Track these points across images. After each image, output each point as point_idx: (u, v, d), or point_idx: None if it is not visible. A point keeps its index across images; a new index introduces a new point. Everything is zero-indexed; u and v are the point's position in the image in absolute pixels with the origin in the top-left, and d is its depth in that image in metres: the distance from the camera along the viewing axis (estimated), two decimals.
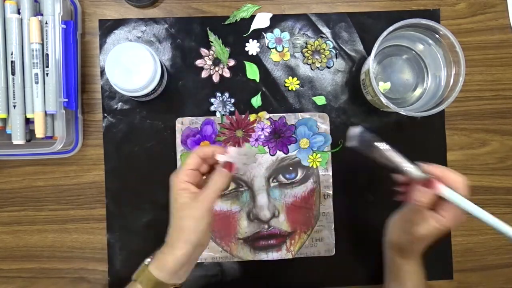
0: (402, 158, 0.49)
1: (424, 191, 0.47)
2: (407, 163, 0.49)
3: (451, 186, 0.47)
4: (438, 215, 0.48)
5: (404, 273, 0.54)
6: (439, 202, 0.48)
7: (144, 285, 0.48)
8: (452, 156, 0.64)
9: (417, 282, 0.55)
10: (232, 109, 0.63)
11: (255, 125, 0.63)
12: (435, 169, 0.48)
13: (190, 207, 0.47)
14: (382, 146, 0.50)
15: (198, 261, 0.62)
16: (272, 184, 0.63)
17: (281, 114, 0.63)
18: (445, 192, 0.47)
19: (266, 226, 0.62)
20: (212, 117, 0.63)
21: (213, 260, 0.63)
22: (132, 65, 0.54)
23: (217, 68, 0.63)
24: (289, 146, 0.63)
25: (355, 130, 0.50)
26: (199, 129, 0.63)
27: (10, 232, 0.63)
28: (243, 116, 0.63)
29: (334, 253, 0.63)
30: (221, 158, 0.49)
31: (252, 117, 0.63)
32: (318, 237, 0.63)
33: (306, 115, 0.63)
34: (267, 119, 0.63)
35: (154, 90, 0.58)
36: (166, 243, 0.49)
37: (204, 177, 0.52)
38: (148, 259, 0.50)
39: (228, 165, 0.49)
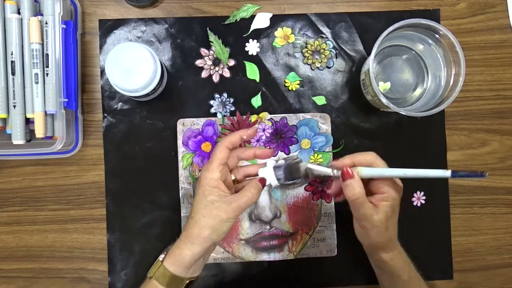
0: (316, 166, 0.51)
1: (348, 184, 0.48)
2: (321, 168, 0.50)
3: (367, 165, 0.49)
4: (379, 195, 0.49)
5: (393, 266, 0.53)
6: (371, 187, 0.50)
7: (160, 281, 0.48)
8: (452, 156, 0.64)
9: (408, 268, 0.54)
10: (232, 108, 0.63)
11: (256, 126, 0.63)
12: (344, 160, 0.50)
13: (219, 208, 0.48)
14: (295, 160, 0.52)
15: None
16: (273, 185, 0.62)
17: (282, 115, 0.63)
18: (363, 173, 0.49)
19: (268, 227, 0.62)
20: (213, 118, 0.63)
21: (215, 261, 0.62)
22: (132, 65, 0.54)
23: (217, 68, 0.63)
24: (290, 147, 0.63)
25: (266, 170, 0.52)
26: (200, 130, 0.63)
27: (10, 232, 0.63)
28: (244, 117, 0.63)
29: (336, 254, 0.63)
30: (261, 173, 0.51)
31: (253, 118, 0.63)
32: (320, 237, 0.63)
33: (307, 115, 0.63)
34: (268, 119, 0.63)
35: (154, 90, 0.58)
36: (184, 237, 0.49)
37: (233, 176, 0.53)
38: (162, 255, 0.50)
39: (263, 180, 0.51)
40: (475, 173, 0.46)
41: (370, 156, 0.50)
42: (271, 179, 0.52)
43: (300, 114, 0.63)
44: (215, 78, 0.63)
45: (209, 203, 0.48)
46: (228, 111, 0.63)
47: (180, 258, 0.48)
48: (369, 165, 0.49)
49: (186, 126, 0.63)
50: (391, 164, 0.63)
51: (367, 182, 0.50)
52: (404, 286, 0.54)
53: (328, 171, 0.50)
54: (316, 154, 0.63)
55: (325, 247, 0.63)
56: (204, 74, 0.63)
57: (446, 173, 0.46)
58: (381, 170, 0.49)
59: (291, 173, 0.51)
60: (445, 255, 0.64)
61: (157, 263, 0.50)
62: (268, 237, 0.62)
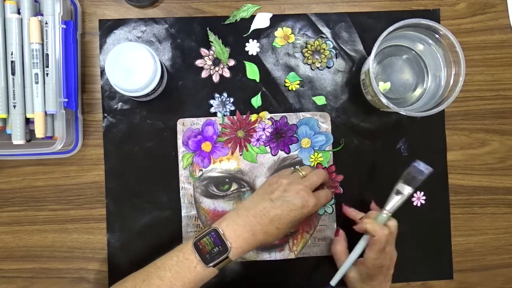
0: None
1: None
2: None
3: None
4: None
5: None
6: None
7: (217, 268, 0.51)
8: (452, 156, 0.65)
9: None
10: (232, 108, 0.63)
11: (256, 125, 0.63)
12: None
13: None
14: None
15: None
16: None
17: (282, 114, 0.63)
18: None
19: None
20: (213, 118, 0.63)
21: None
22: (132, 65, 0.54)
23: (217, 68, 0.63)
24: (290, 146, 0.63)
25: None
26: (200, 130, 0.63)
27: (10, 232, 0.63)
28: (244, 116, 0.63)
29: None
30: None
31: (253, 117, 0.63)
32: (320, 236, 0.63)
33: (307, 114, 0.63)
34: (268, 119, 0.63)
35: (154, 90, 0.58)
36: (257, 240, 0.51)
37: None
38: (228, 244, 0.50)
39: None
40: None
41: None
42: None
43: (300, 113, 0.63)
44: (215, 78, 0.63)
45: (296, 221, 0.54)
46: (228, 110, 0.63)
47: (243, 252, 0.51)
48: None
49: (186, 126, 0.63)
50: (390, 164, 0.63)
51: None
52: None
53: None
54: (316, 153, 0.63)
55: (326, 246, 0.63)
56: (204, 74, 0.63)
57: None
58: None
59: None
60: (445, 255, 0.64)
61: (224, 256, 0.50)
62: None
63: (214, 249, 0.50)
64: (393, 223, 0.55)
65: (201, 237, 0.50)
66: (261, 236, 0.51)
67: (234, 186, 0.63)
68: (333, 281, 0.56)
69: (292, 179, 0.55)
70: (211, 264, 0.50)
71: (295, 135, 0.63)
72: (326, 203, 0.59)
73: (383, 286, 0.56)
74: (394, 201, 0.55)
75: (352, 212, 0.60)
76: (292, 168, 0.62)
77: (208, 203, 0.62)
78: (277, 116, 0.63)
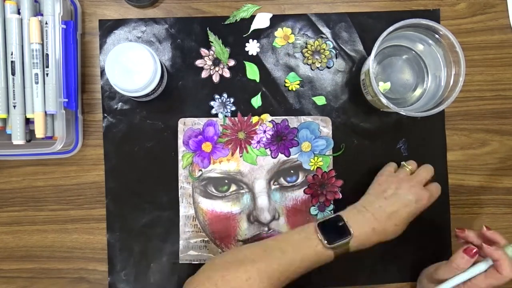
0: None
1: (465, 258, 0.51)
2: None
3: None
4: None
5: None
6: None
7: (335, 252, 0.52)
8: (452, 156, 0.64)
9: None
10: (233, 108, 0.63)
11: (257, 127, 0.63)
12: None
13: None
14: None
15: (197, 262, 0.62)
16: (273, 187, 0.63)
17: (284, 117, 0.63)
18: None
19: (266, 229, 0.62)
20: (214, 119, 0.63)
21: None
22: (132, 65, 0.54)
23: (217, 68, 0.63)
24: (290, 149, 0.63)
25: None
26: (201, 130, 0.63)
27: (10, 232, 0.63)
28: (246, 118, 0.63)
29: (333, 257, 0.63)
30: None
31: (254, 119, 0.63)
32: None
33: (309, 118, 0.63)
34: (269, 121, 0.63)
35: (154, 90, 0.58)
36: (369, 223, 0.52)
37: None
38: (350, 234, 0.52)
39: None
40: None
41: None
42: None
43: (301, 116, 0.63)
44: (215, 78, 0.63)
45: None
46: (229, 111, 0.63)
47: (362, 244, 0.52)
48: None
49: (187, 125, 0.63)
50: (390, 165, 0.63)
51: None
52: None
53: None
54: (316, 157, 0.63)
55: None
56: (204, 74, 0.63)
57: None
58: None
59: None
60: (445, 255, 0.64)
61: (345, 241, 0.51)
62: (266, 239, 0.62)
63: (336, 234, 0.51)
64: None
65: (326, 220, 0.52)
66: (381, 232, 0.52)
67: (233, 188, 0.63)
68: None
69: (402, 176, 0.56)
70: (331, 246, 0.50)
71: (295, 138, 0.63)
72: (437, 196, 0.57)
73: None
74: None
75: (469, 234, 0.54)
76: (394, 164, 0.61)
77: (206, 204, 0.62)
78: (278, 119, 0.63)
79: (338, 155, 0.63)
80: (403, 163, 0.60)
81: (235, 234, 0.63)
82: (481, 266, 0.51)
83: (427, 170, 0.58)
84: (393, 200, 0.54)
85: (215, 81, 0.63)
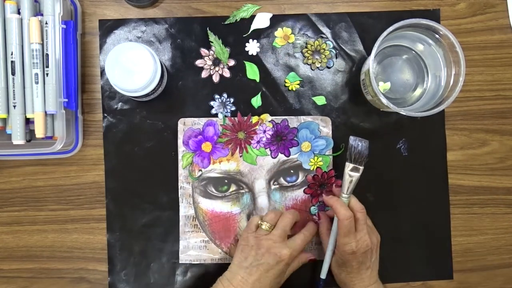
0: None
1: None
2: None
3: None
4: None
5: None
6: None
7: None
8: (452, 156, 0.64)
9: None
10: (233, 108, 0.63)
11: (257, 127, 0.63)
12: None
13: (278, 276, 0.54)
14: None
15: (197, 262, 0.62)
16: (272, 187, 0.63)
17: (284, 117, 0.63)
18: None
19: None
20: (214, 119, 0.63)
21: (212, 262, 0.62)
22: (132, 65, 0.54)
23: (217, 68, 0.63)
24: (290, 149, 0.63)
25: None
26: (201, 130, 0.63)
27: (10, 232, 0.63)
28: (245, 118, 0.63)
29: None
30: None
31: (254, 119, 0.63)
32: (317, 240, 0.63)
33: (308, 118, 0.63)
34: (269, 121, 0.63)
35: (154, 90, 0.58)
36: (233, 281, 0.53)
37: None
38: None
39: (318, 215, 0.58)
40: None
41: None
42: None
43: (301, 116, 0.63)
44: (215, 78, 0.63)
45: (272, 269, 0.54)
46: (229, 111, 0.63)
47: None
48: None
49: (187, 125, 0.63)
50: (390, 164, 0.63)
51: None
52: None
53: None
54: (316, 157, 0.63)
55: (322, 251, 0.63)
56: (204, 74, 0.63)
57: None
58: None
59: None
60: (445, 255, 0.64)
61: None
62: None
63: None
64: (357, 206, 0.55)
65: None
66: None
67: (233, 188, 0.63)
68: (322, 273, 0.57)
69: (261, 237, 0.55)
70: None
71: (295, 138, 0.63)
72: (306, 244, 0.58)
73: (363, 274, 0.55)
74: (348, 183, 0.55)
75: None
76: (256, 219, 0.59)
77: (206, 204, 0.62)
78: (278, 118, 0.63)
79: (338, 155, 0.63)
80: (259, 222, 0.58)
81: (235, 234, 0.63)
82: (334, 227, 0.56)
83: (287, 218, 0.57)
84: (254, 269, 0.53)
85: (215, 81, 0.63)
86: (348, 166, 0.56)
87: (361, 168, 0.55)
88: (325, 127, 0.63)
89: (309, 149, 0.63)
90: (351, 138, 0.55)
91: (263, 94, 0.63)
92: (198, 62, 0.63)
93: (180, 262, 0.62)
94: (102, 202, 0.63)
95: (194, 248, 0.62)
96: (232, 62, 0.63)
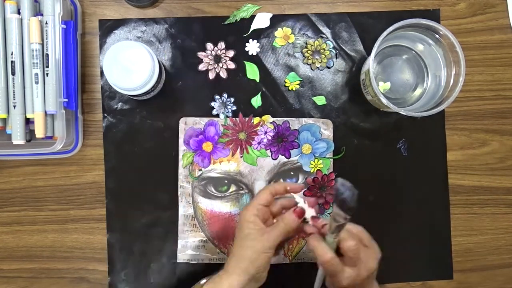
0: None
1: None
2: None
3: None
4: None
5: None
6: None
7: None
8: (452, 156, 0.64)
9: None
10: (234, 108, 0.63)
11: (258, 128, 0.63)
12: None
13: (253, 239, 0.49)
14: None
15: (197, 262, 0.62)
16: None
17: (285, 119, 0.63)
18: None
19: None
20: (215, 119, 0.63)
21: (211, 262, 0.62)
22: (130, 64, 0.54)
23: (217, 68, 0.63)
24: (291, 151, 0.63)
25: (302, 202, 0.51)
26: (202, 129, 0.63)
27: (10, 232, 0.63)
28: (247, 118, 0.63)
29: None
30: (299, 202, 0.50)
31: (255, 120, 0.63)
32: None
33: (310, 120, 0.63)
34: (270, 122, 0.63)
35: (153, 88, 0.58)
36: (224, 269, 0.49)
37: (275, 220, 0.52)
38: (204, 280, 0.50)
39: (299, 211, 0.50)
40: None
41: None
42: (309, 212, 0.50)
43: (303, 118, 0.63)
44: (215, 78, 0.63)
45: (245, 236, 0.49)
46: (229, 111, 0.63)
47: (219, 286, 0.48)
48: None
49: (188, 125, 0.63)
50: (390, 164, 0.63)
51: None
52: None
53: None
54: (316, 160, 0.63)
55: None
56: (204, 74, 0.63)
57: None
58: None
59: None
60: (445, 255, 0.64)
61: (198, 286, 0.50)
62: None
63: None
64: (348, 244, 0.47)
65: None
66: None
67: (233, 188, 0.63)
68: None
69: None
70: None
71: (296, 140, 0.63)
72: (281, 232, 0.50)
73: None
74: (333, 223, 0.46)
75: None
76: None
77: (205, 203, 0.62)
78: (279, 120, 0.63)
79: (338, 158, 0.63)
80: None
81: (234, 234, 0.62)
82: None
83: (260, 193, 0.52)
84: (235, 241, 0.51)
85: (215, 81, 0.63)
86: (335, 208, 0.44)
87: (348, 217, 0.44)
88: (326, 130, 0.63)
89: (310, 152, 0.63)
90: (339, 181, 0.44)
91: (263, 94, 0.63)
92: (198, 62, 0.63)
93: (178, 261, 0.62)
94: (102, 202, 0.63)
95: (192, 247, 0.62)
96: (232, 62, 0.63)
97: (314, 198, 0.52)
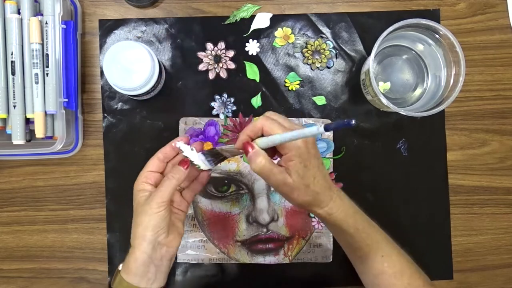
0: (227, 147, 0.49)
1: (249, 158, 0.45)
2: (230, 147, 0.49)
3: (267, 133, 0.45)
4: (284, 157, 0.45)
5: (333, 220, 0.48)
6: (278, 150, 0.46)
7: None
8: (452, 156, 0.64)
9: (352, 219, 0.49)
10: (234, 108, 0.63)
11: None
12: (241, 137, 0.46)
13: (144, 204, 0.47)
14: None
15: (197, 262, 0.62)
16: (272, 188, 0.62)
17: None
18: (259, 145, 0.45)
19: (265, 230, 0.62)
20: (215, 119, 0.63)
21: (211, 262, 0.62)
22: (130, 64, 0.54)
23: (217, 68, 0.63)
24: None
25: (190, 153, 0.49)
26: (202, 129, 0.63)
27: (10, 232, 0.63)
28: (247, 118, 0.63)
29: (331, 260, 0.63)
30: (179, 145, 0.49)
31: (255, 119, 0.63)
32: (316, 243, 0.63)
33: (310, 120, 0.63)
34: None
35: (153, 88, 0.58)
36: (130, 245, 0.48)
37: None
38: (121, 265, 0.49)
39: (184, 162, 0.48)
40: (342, 123, 0.40)
41: (259, 123, 0.45)
42: (200, 162, 0.49)
43: (303, 119, 0.63)
44: (215, 78, 0.63)
45: (137, 205, 0.48)
46: (230, 110, 0.63)
47: (128, 264, 0.47)
48: (265, 132, 0.45)
49: (188, 125, 0.63)
50: (390, 164, 0.63)
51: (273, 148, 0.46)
52: (353, 240, 0.50)
53: (236, 151, 0.48)
54: None
55: (321, 253, 0.63)
56: (204, 74, 0.63)
57: (320, 129, 0.41)
58: (272, 138, 0.44)
59: (213, 156, 0.49)
60: (445, 255, 0.64)
61: (116, 272, 0.49)
62: (264, 240, 0.62)
63: None
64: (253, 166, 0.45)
65: None
66: None
67: (233, 188, 0.62)
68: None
69: None
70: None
71: None
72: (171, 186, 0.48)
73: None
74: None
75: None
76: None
77: (205, 203, 0.62)
78: None
79: (338, 158, 0.63)
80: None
81: (234, 234, 0.62)
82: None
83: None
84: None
85: (215, 81, 0.63)
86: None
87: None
88: None
89: None
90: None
91: (263, 94, 0.63)
92: (198, 62, 0.63)
93: (178, 261, 0.62)
94: (102, 202, 0.63)
95: (192, 247, 0.62)
96: (232, 62, 0.63)
97: (199, 142, 0.51)
